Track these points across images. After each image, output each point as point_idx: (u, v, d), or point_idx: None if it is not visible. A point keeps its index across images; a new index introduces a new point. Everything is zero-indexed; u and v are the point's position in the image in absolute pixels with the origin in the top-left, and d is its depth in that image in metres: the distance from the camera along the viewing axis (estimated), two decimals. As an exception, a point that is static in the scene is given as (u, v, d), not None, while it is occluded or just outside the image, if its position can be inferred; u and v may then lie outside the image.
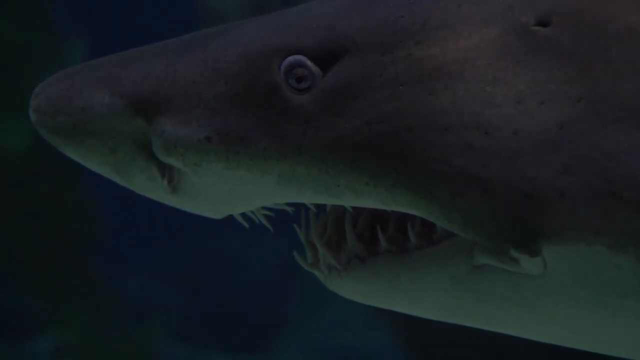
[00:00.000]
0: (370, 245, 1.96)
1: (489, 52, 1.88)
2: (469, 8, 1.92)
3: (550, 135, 1.83)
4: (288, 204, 2.00)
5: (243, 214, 2.01)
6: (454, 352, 5.49)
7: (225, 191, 1.93)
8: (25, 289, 7.52)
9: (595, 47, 1.86)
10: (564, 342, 2.00)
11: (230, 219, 2.03)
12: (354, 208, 1.95)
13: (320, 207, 2.00)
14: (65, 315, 7.50)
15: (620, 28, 1.86)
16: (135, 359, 7.58)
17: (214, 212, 1.99)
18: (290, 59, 1.91)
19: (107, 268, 7.77)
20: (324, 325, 8.02)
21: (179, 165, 1.91)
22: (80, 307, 7.54)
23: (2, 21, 7.44)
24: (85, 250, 7.64)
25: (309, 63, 1.90)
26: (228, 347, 8.13)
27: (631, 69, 1.84)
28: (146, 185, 1.96)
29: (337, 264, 1.97)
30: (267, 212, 2.02)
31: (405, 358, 6.47)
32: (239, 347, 8.11)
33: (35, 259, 7.50)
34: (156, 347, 7.82)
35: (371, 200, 1.88)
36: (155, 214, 4.34)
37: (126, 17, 10.21)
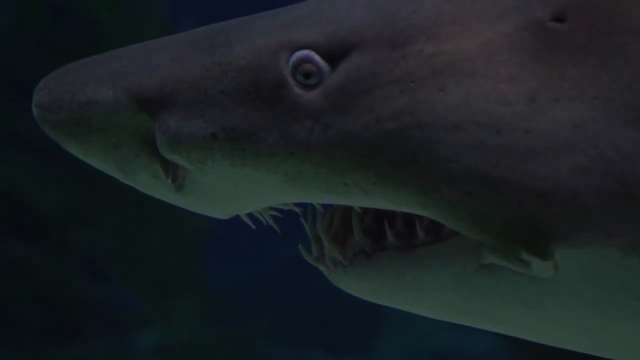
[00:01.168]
0: (377, 240, 1.92)
1: (503, 48, 1.82)
2: (483, 2, 1.86)
3: (564, 134, 1.77)
4: (295, 204, 1.96)
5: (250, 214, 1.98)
6: (560, 353, 5.37)
7: (231, 190, 1.89)
8: (132, 284, 7.60)
9: (611, 44, 1.80)
10: (571, 345, 1.95)
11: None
12: None
13: None
14: (170, 312, 7.57)
15: (638, 24, 1.80)
16: (237, 357, 7.62)
17: (220, 212, 1.95)
18: (298, 54, 1.86)
19: (213, 266, 7.82)
20: (426, 325, 7.95)
21: (184, 163, 1.87)
22: (184, 304, 7.61)
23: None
24: (192, 248, 7.70)
25: (317, 58, 1.85)
26: (328, 347, 8.11)
27: None
28: (150, 183, 1.92)
29: (343, 259, 1.93)
30: (274, 212, 1.98)
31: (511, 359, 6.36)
32: (339, 347, 8.09)
33: (142, 255, 7.59)
34: (258, 346, 7.84)
35: (379, 200, 1.83)
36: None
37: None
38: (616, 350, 1.94)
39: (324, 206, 1.96)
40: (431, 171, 1.79)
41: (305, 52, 1.85)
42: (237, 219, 2.01)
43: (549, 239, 1.78)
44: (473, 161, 1.78)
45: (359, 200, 1.85)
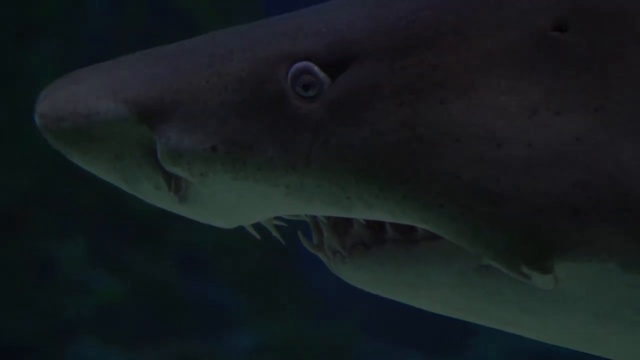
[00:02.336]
0: (377, 231, 1.88)
1: (504, 59, 1.79)
2: (484, 12, 1.82)
3: (566, 147, 1.74)
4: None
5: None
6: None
7: (235, 202, 1.87)
8: (230, 283, 7.70)
9: (614, 54, 1.76)
10: (573, 347, 1.93)
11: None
12: None
13: None
14: (267, 311, 7.64)
15: (639, 34, 1.77)
16: (332, 356, 7.64)
17: (225, 222, 1.93)
18: (298, 65, 1.83)
19: (309, 265, 7.87)
20: (524, 325, 7.84)
21: (185, 175, 1.85)
22: (282, 303, 7.67)
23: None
24: (288, 248, 7.75)
25: (316, 69, 1.83)
26: (424, 346, 8.08)
27: None
28: (154, 194, 1.91)
29: (342, 249, 1.91)
30: (280, 222, 1.96)
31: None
32: (435, 346, 8.05)
33: (240, 254, 7.68)
34: (354, 346, 7.85)
35: (382, 213, 1.81)
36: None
37: None
38: (618, 354, 1.92)
39: None
40: (432, 185, 1.77)
41: (305, 63, 1.83)
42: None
43: (550, 254, 1.76)
44: (473, 175, 1.75)
45: (362, 213, 1.83)
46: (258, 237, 1.98)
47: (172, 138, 1.84)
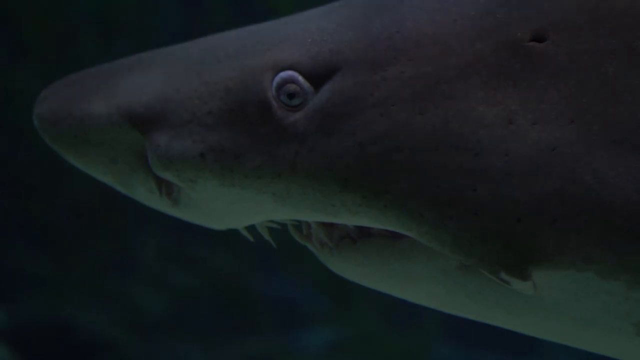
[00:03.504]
0: (363, 225, 1.90)
1: (482, 70, 1.81)
2: (464, 23, 1.84)
3: (542, 158, 1.76)
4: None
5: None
6: None
7: (225, 206, 1.90)
8: (308, 281, 7.70)
9: (591, 65, 1.78)
10: (557, 341, 1.95)
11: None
12: None
13: None
14: (345, 310, 7.62)
15: (618, 46, 1.78)
16: (409, 356, 7.60)
17: (218, 225, 1.97)
18: (282, 74, 1.86)
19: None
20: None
21: (175, 181, 1.88)
22: (357, 303, 7.64)
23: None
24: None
25: (301, 79, 1.85)
26: (500, 348, 8.01)
27: (628, 88, 1.76)
28: (148, 197, 1.95)
29: (329, 241, 1.94)
30: (274, 225, 1.98)
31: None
32: (511, 349, 7.97)
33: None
34: (434, 346, 7.80)
35: (367, 220, 1.84)
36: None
37: None
38: (607, 352, 1.94)
39: None
40: (412, 195, 1.79)
41: (289, 72, 1.86)
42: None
43: (528, 262, 1.77)
44: (452, 185, 1.78)
45: (348, 219, 1.85)
46: (252, 239, 2.01)
47: (161, 145, 1.87)
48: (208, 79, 1.89)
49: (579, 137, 1.76)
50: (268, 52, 1.89)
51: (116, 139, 1.91)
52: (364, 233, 1.92)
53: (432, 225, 1.79)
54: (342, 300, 7.62)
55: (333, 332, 7.56)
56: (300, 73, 1.86)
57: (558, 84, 1.78)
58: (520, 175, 1.76)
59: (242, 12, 7.40)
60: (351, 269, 1.94)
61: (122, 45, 7.50)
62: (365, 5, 1.91)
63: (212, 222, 1.96)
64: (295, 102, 1.85)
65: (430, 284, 1.88)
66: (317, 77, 1.85)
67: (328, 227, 1.94)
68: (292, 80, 1.85)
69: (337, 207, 1.83)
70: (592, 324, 1.83)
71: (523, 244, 1.77)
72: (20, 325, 7.15)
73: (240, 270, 7.57)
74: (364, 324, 7.56)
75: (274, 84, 1.86)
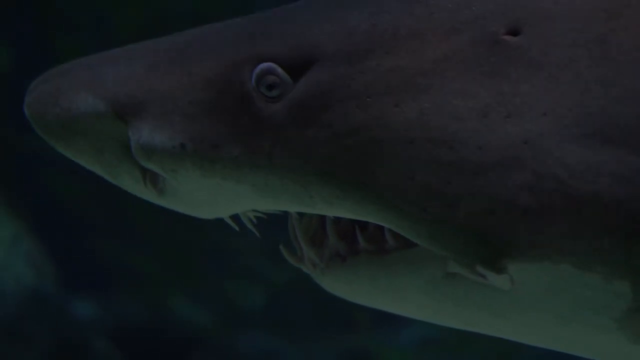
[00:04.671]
0: (352, 243, 1.93)
1: (458, 63, 1.82)
2: (441, 16, 1.85)
3: (514, 150, 1.77)
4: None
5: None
6: None
7: (208, 196, 1.91)
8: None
9: (564, 58, 1.78)
10: (547, 346, 1.95)
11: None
12: None
13: None
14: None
15: (592, 38, 1.78)
16: (495, 356, 7.40)
17: (204, 214, 1.97)
18: (262, 66, 1.87)
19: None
20: None
21: (158, 171, 1.90)
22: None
23: None
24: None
25: (280, 71, 1.86)
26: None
27: (599, 82, 1.76)
28: (134, 187, 1.97)
29: (319, 261, 1.95)
30: (260, 215, 1.99)
31: None
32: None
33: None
34: (520, 349, 7.53)
35: (344, 212, 1.85)
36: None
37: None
38: (590, 354, 1.94)
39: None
40: (388, 187, 1.80)
41: (268, 64, 1.87)
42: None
43: (502, 254, 1.78)
44: (427, 177, 1.78)
45: (325, 211, 1.87)
46: (237, 228, 2.02)
47: (144, 134, 1.90)
48: (190, 70, 1.90)
49: (551, 130, 1.76)
50: (248, 44, 1.90)
51: (102, 128, 1.94)
52: (352, 251, 1.93)
53: (408, 217, 1.80)
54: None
55: (428, 327, 7.45)
56: (280, 65, 1.86)
57: (531, 77, 1.79)
58: (493, 168, 1.77)
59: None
60: (342, 286, 1.96)
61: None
62: None
63: (197, 212, 1.98)
64: (274, 93, 1.86)
65: (418, 296, 1.89)
66: (296, 69, 1.86)
67: (318, 247, 1.96)
68: (272, 72, 1.86)
69: (315, 198, 1.85)
70: (572, 321, 1.83)
71: (497, 237, 1.77)
72: (118, 320, 7.46)
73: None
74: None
75: (254, 75, 1.87)
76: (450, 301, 1.88)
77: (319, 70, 1.85)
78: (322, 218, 1.96)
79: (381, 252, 1.90)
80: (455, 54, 1.82)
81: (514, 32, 1.81)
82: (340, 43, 1.86)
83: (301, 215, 1.98)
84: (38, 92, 1.97)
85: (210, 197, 1.92)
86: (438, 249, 1.81)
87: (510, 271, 1.79)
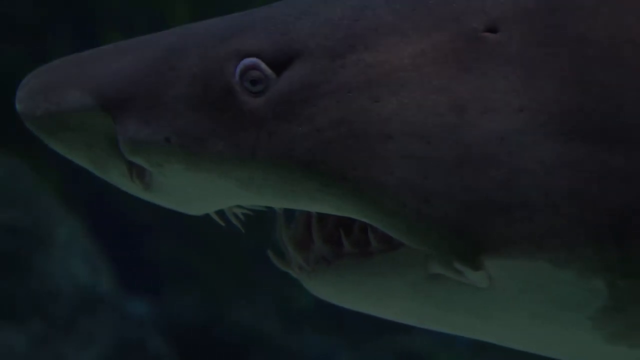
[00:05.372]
0: (337, 246, 1.93)
1: (437, 59, 1.82)
2: (422, 12, 1.86)
3: (491, 146, 1.77)
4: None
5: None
6: None
7: (193, 191, 1.93)
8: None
9: (542, 56, 1.79)
10: (530, 350, 1.95)
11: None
12: None
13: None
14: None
15: (569, 36, 1.79)
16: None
17: (190, 210, 1.98)
18: (246, 61, 1.88)
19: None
20: None
21: (144, 165, 1.91)
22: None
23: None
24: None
25: (263, 66, 1.87)
26: None
27: (576, 79, 1.77)
28: (122, 182, 1.98)
29: (306, 265, 1.95)
30: (246, 211, 2.00)
31: None
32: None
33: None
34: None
35: (326, 207, 1.85)
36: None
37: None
38: (566, 354, 1.93)
39: (290, 213, 1.99)
40: (368, 182, 1.80)
41: (252, 59, 1.88)
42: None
43: (479, 250, 1.78)
44: (405, 172, 1.79)
45: (307, 206, 1.88)
46: (223, 224, 2.03)
47: (130, 129, 1.91)
48: (175, 65, 1.92)
49: (527, 126, 1.77)
50: (233, 39, 1.91)
51: (90, 123, 1.95)
52: (337, 254, 1.94)
53: (387, 212, 1.80)
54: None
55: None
56: (263, 60, 1.88)
57: (509, 73, 1.79)
58: (469, 163, 1.78)
59: None
60: (328, 290, 1.96)
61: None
62: None
63: (183, 207, 1.99)
64: (258, 88, 1.87)
65: (402, 299, 1.89)
66: (279, 63, 1.88)
67: (305, 251, 1.97)
68: (255, 67, 1.88)
69: (297, 192, 1.85)
70: (548, 320, 1.83)
71: (473, 232, 1.78)
72: (173, 319, 7.50)
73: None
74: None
75: (238, 70, 1.89)
76: (433, 303, 1.87)
77: (301, 65, 1.86)
78: (309, 222, 1.97)
79: (366, 256, 1.90)
80: (435, 49, 1.83)
81: (493, 29, 1.82)
82: (323, 38, 1.87)
83: (289, 221, 1.99)
84: (29, 87, 1.99)
85: (196, 191, 1.93)
86: (416, 244, 1.82)
87: (487, 268, 1.79)
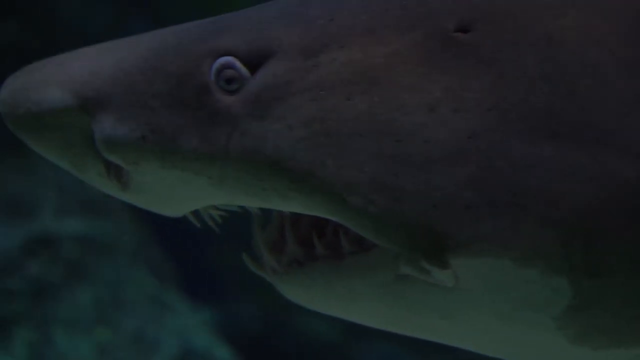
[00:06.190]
0: (310, 249, 1.94)
1: (409, 58, 1.84)
2: (396, 13, 1.87)
3: (460, 145, 1.79)
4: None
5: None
6: None
7: (169, 190, 1.94)
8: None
9: (512, 55, 1.81)
10: (497, 355, 1.95)
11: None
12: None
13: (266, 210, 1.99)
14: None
15: (539, 36, 1.81)
16: None
17: (167, 210, 2.00)
18: (221, 60, 1.90)
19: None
20: None
21: (121, 163, 1.93)
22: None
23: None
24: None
25: (238, 64, 1.89)
26: None
27: (545, 78, 1.79)
28: (100, 181, 2.00)
29: (278, 267, 1.97)
30: (221, 212, 2.02)
31: None
32: None
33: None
34: None
35: (296, 205, 1.87)
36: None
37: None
38: (530, 357, 1.93)
39: (264, 215, 2.01)
40: (337, 179, 1.82)
41: (227, 58, 1.90)
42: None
43: (446, 249, 1.79)
44: (374, 170, 1.80)
45: (278, 205, 1.89)
46: (198, 225, 2.06)
47: (107, 127, 1.93)
48: (153, 63, 1.94)
49: (496, 125, 1.79)
50: (210, 39, 1.93)
51: (70, 123, 1.97)
52: (309, 257, 1.95)
53: (356, 210, 1.81)
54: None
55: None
56: (239, 59, 1.90)
57: (480, 73, 1.81)
58: (438, 161, 1.79)
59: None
60: (300, 292, 1.98)
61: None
62: None
63: (158, 207, 2.01)
64: (233, 87, 1.89)
65: (371, 301, 1.90)
66: (254, 62, 1.90)
67: (278, 254, 1.98)
68: (230, 66, 1.89)
69: (268, 191, 1.86)
70: (513, 320, 1.83)
71: (440, 231, 1.79)
72: (239, 328, 7.51)
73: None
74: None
75: (213, 69, 1.90)
76: (400, 304, 1.88)
77: (276, 64, 1.88)
78: (283, 225, 1.98)
79: (337, 258, 1.91)
80: (407, 49, 1.84)
81: (465, 29, 1.84)
82: (297, 37, 1.89)
83: (264, 225, 2.01)
84: (11, 87, 2.01)
85: (171, 191, 1.94)
86: (384, 242, 1.82)
87: (453, 266, 1.80)
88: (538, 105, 1.78)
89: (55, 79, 1.99)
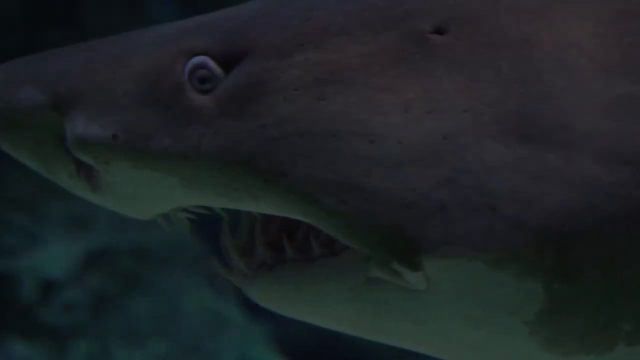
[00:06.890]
0: (280, 253, 1.91)
1: (384, 59, 1.82)
2: (371, 13, 1.86)
3: (434, 146, 1.77)
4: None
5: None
6: None
7: (139, 191, 1.92)
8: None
9: (487, 57, 1.80)
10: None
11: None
12: (265, 213, 1.91)
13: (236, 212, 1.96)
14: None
15: (514, 38, 1.80)
16: None
17: (137, 212, 1.97)
18: (194, 59, 1.88)
19: None
20: None
21: (92, 163, 1.91)
22: None
23: None
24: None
25: (212, 64, 1.87)
26: None
27: (519, 80, 1.77)
28: (69, 182, 1.98)
29: (248, 271, 1.94)
30: (189, 215, 1.99)
31: None
32: None
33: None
34: None
35: (267, 206, 1.85)
36: None
37: None
38: None
39: (234, 219, 1.98)
40: (310, 179, 1.80)
41: (201, 58, 1.88)
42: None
43: (417, 250, 1.77)
44: (347, 170, 1.79)
45: (250, 206, 1.87)
46: (168, 229, 2.03)
47: (79, 125, 1.91)
48: (126, 62, 1.93)
49: (469, 127, 1.77)
50: (184, 38, 1.92)
51: (41, 122, 1.96)
52: (279, 260, 1.92)
53: (328, 210, 1.80)
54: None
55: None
56: (213, 58, 1.88)
57: (455, 74, 1.80)
58: (411, 162, 1.77)
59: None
60: (268, 296, 1.95)
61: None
62: None
63: (129, 209, 1.99)
64: (206, 86, 1.88)
65: (340, 306, 1.87)
66: (228, 62, 1.88)
67: (248, 257, 1.95)
68: (204, 66, 1.88)
69: (240, 191, 1.85)
70: (484, 324, 1.81)
71: (412, 232, 1.77)
72: (297, 340, 7.49)
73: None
74: None
75: (187, 68, 1.89)
76: (370, 308, 1.85)
77: (250, 63, 1.86)
78: (254, 229, 1.96)
79: (307, 261, 1.89)
80: (382, 50, 1.83)
81: (441, 31, 1.82)
82: (272, 37, 1.87)
83: (234, 230, 1.98)
84: None
85: (142, 192, 1.92)
86: (355, 243, 1.80)
87: (425, 268, 1.78)
88: (513, 107, 1.77)
89: (27, 77, 1.98)
